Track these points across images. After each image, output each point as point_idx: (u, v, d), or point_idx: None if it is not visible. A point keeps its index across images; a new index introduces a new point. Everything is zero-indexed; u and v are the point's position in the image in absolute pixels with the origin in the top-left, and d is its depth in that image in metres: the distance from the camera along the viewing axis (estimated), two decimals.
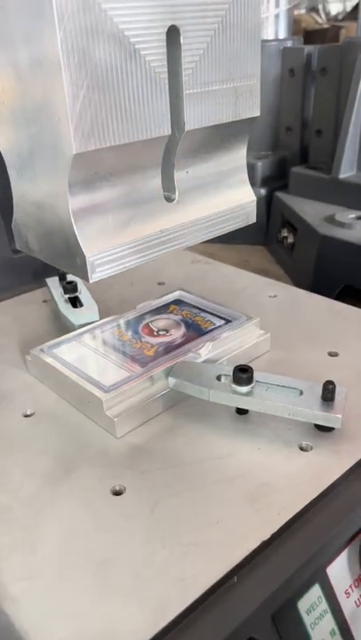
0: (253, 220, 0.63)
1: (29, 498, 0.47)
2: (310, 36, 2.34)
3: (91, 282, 0.49)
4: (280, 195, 1.42)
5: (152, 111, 0.47)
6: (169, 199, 0.55)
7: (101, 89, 0.43)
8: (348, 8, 3.48)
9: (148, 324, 0.68)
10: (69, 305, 0.76)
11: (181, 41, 0.47)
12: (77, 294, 0.78)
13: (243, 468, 0.49)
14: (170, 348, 0.62)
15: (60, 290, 0.79)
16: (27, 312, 0.82)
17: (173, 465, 0.50)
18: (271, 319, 0.73)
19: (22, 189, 0.53)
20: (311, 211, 1.26)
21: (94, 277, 0.49)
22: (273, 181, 1.51)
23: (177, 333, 0.66)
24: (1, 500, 0.47)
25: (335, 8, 3.57)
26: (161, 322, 0.69)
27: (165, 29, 0.46)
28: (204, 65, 0.50)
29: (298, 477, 0.48)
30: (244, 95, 0.55)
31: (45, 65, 0.42)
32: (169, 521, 0.44)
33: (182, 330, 0.66)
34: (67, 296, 0.77)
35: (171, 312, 0.71)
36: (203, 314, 0.70)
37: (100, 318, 0.71)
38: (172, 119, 0.49)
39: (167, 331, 0.67)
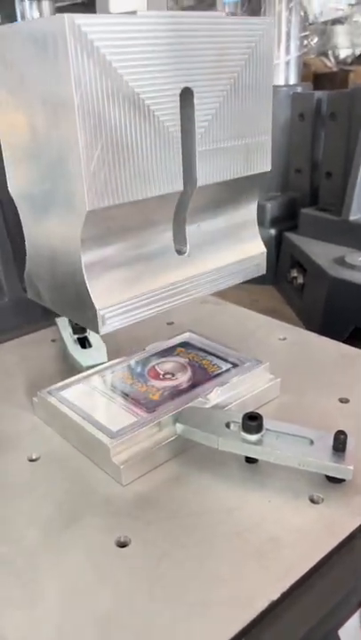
0: (263, 271, 0.63)
1: (31, 549, 0.46)
2: (320, 79, 2.39)
3: (100, 334, 0.49)
4: (290, 235, 1.43)
5: (165, 169, 0.48)
6: (180, 252, 0.55)
7: (115, 149, 0.44)
8: (358, 52, 3.57)
9: (154, 366, 0.68)
10: (78, 345, 0.76)
11: (195, 101, 0.49)
12: (86, 334, 0.77)
13: (251, 520, 0.48)
14: (175, 393, 0.62)
15: (70, 330, 0.79)
16: (35, 352, 0.82)
17: (180, 516, 0.49)
18: (280, 363, 0.72)
19: (35, 242, 0.54)
20: (321, 252, 1.27)
21: (104, 330, 0.49)
22: (282, 222, 1.53)
23: (183, 377, 0.65)
24: (1, 551, 0.46)
25: (344, 52, 3.66)
26: (167, 365, 0.68)
27: (179, 91, 0.47)
28: (217, 123, 0.51)
29: (308, 532, 0.47)
30: (256, 151, 0.56)
31: (61, 126, 0.44)
32: (174, 577, 0.43)
33: (188, 373, 0.66)
34: (76, 336, 0.77)
35: (177, 354, 0.71)
36: (210, 357, 0.69)
37: (109, 358, 0.71)
38: (184, 175, 0.50)
39: (173, 374, 0.66)
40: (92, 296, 0.48)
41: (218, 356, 0.69)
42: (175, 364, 0.68)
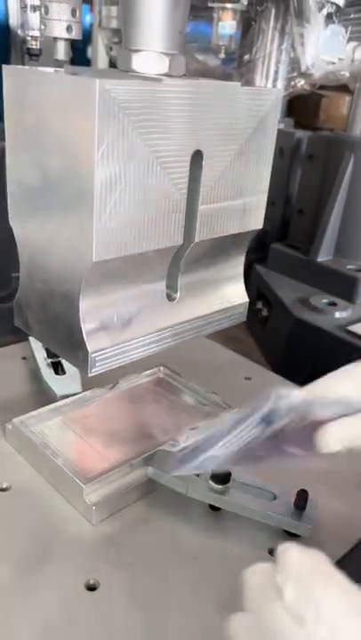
0: (244, 319, 0.67)
1: (3, 587, 0.47)
2: (294, 100, 2.43)
3: (89, 376, 0.51)
4: (258, 268, 1.47)
5: (169, 224, 0.51)
6: (170, 297, 0.58)
7: (126, 204, 0.46)
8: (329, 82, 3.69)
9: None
10: (52, 370, 0.76)
11: (203, 163, 0.51)
12: (60, 359, 0.78)
13: (214, 571, 0.51)
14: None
15: (43, 353, 0.79)
16: (5, 368, 0.82)
17: (146, 563, 0.51)
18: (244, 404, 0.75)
19: (30, 274, 0.55)
20: (287, 289, 1.31)
21: (93, 372, 0.51)
22: (252, 252, 1.57)
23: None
24: None
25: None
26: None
27: (191, 153, 0.50)
28: (220, 184, 0.54)
29: None
30: (251, 210, 0.59)
31: (76, 177, 0.45)
32: (140, 627, 0.45)
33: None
34: (50, 360, 0.78)
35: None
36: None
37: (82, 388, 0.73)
38: (184, 231, 0.53)
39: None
40: (85, 340, 0.50)
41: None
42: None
